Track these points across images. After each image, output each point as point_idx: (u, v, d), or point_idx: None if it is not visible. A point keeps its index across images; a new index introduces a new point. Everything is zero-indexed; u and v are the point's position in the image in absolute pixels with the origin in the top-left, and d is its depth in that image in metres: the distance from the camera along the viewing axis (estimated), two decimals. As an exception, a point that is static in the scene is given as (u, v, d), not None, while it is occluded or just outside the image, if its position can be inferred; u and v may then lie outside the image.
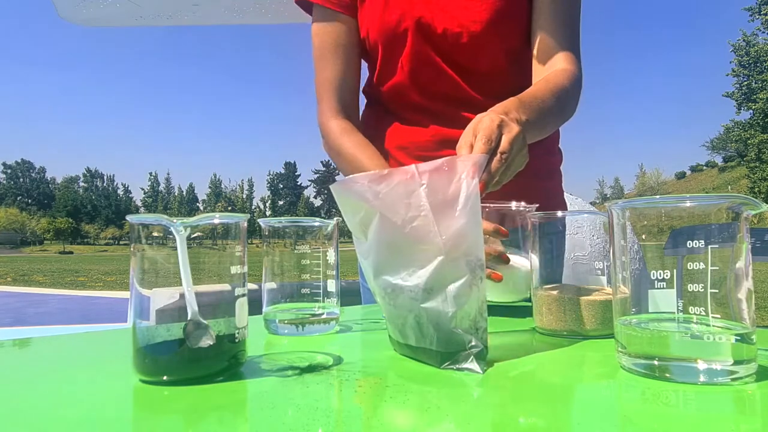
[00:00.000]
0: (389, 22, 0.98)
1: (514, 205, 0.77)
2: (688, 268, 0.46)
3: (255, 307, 0.59)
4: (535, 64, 0.97)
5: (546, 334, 0.67)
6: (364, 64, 1.09)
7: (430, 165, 0.52)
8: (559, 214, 0.79)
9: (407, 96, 1.03)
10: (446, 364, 0.51)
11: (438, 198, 0.51)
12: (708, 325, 0.45)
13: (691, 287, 0.46)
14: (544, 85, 0.87)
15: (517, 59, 0.99)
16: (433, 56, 0.99)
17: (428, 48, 0.99)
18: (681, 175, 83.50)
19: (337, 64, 1.03)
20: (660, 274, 0.47)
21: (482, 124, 0.64)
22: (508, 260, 0.74)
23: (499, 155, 0.62)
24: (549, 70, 0.93)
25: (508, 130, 0.64)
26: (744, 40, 34.53)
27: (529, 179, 1.06)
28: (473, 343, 0.51)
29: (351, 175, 0.53)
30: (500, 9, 0.96)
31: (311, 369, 0.51)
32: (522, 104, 0.74)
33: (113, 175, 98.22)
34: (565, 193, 1.20)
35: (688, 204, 0.46)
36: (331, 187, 0.55)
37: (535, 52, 0.97)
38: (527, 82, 0.96)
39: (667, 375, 0.45)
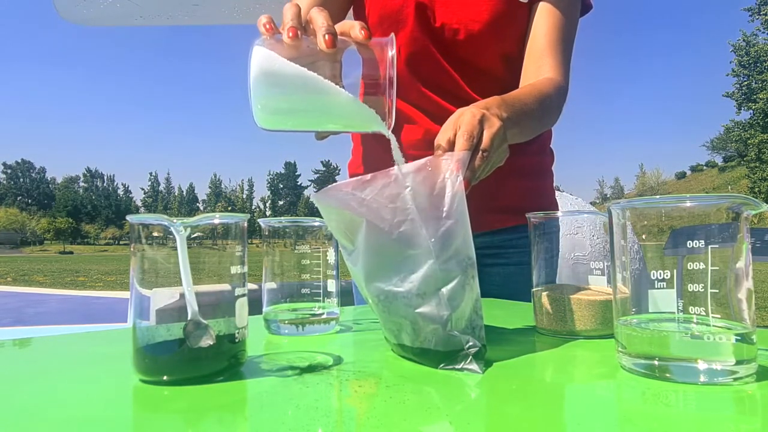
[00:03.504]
0: (392, 6, 0.98)
1: None
2: (688, 268, 0.46)
3: (255, 307, 0.59)
4: (524, 69, 0.98)
5: (546, 334, 0.67)
6: None
7: (413, 166, 0.51)
8: (558, 214, 0.79)
9: (403, 90, 1.02)
10: (444, 364, 0.51)
11: (424, 199, 0.51)
12: (708, 325, 0.45)
13: (691, 287, 0.46)
14: (529, 90, 0.87)
15: (512, 65, 1.00)
16: (431, 47, 0.99)
17: (426, 38, 0.99)
18: (681, 175, 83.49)
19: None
20: (660, 274, 0.47)
21: (463, 119, 0.63)
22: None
23: (480, 152, 0.61)
24: (536, 78, 0.94)
25: (489, 126, 0.63)
26: (744, 40, 34.54)
27: (521, 179, 1.06)
28: (471, 343, 0.51)
29: (333, 184, 0.53)
30: (501, 12, 0.96)
31: (311, 369, 0.51)
32: (504, 102, 0.74)
33: (113, 175, 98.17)
34: (564, 193, 1.20)
35: (688, 204, 0.46)
36: (312, 196, 0.55)
37: (526, 58, 0.98)
38: None
39: (668, 375, 0.45)
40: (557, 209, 1.15)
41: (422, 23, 0.98)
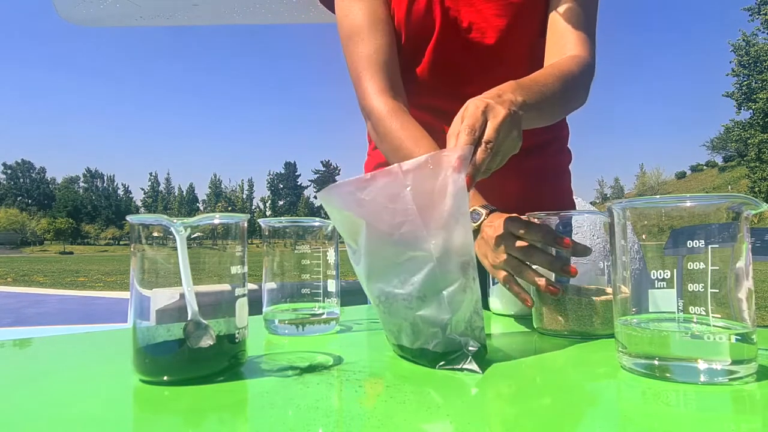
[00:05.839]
0: (417, 12, 0.97)
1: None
2: (689, 267, 0.46)
3: (255, 307, 0.59)
4: (547, 50, 0.94)
5: (546, 335, 0.67)
6: None
7: (414, 163, 0.50)
8: (564, 213, 0.79)
9: (426, 95, 1.01)
10: (442, 364, 0.51)
11: (424, 198, 0.50)
12: (708, 325, 0.45)
13: (691, 287, 0.46)
14: (550, 70, 0.84)
15: (538, 59, 0.97)
16: (459, 50, 0.97)
17: (454, 41, 0.97)
18: (681, 175, 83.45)
19: (377, 38, 0.93)
20: (660, 273, 0.47)
21: (467, 111, 0.61)
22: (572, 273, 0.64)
23: (483, 145, 0.59)
24: (560, 56, 0.90)
25: (493, 116, 0.61)
26: (744, 40, 34.52)
27: (540, 179, 1.05)
28: (470, 344, 0.51)
29: (336, 183, 0.52)
30: (522, 3, 0.95)
31: (311, 369, 0.51)
32: (519, 86, 0.71)
33: (113, 175, 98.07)
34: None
35: (688, 204, 0.46)
36: (318, 194, 0.54)
37: (548, 38, 0.95)
38: None
39: (668, 375, 0.45)
40: (575, 209, 1.14)
41: (449, 28, 0.96)
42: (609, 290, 0.66)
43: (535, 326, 0.70)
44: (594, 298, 0.65)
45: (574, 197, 1.16)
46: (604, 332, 0.64)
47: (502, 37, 0.96)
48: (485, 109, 0.61)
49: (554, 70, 0.84)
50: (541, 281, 0.64)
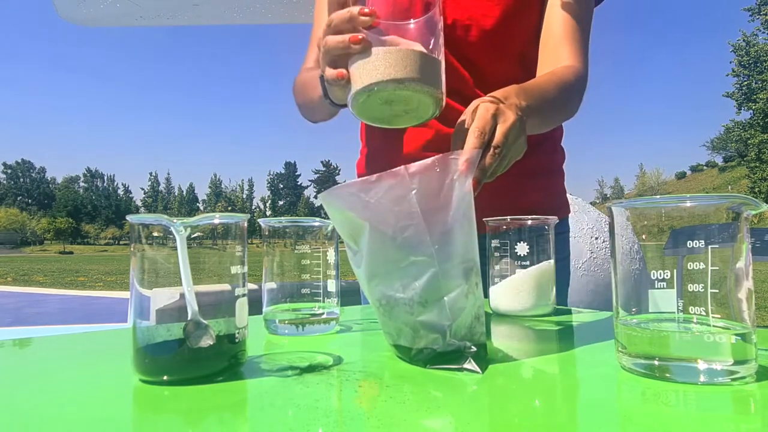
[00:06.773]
0: (400, 5, 0.98)
1: None
2: (689, 268, 0.46)
3: (255, 307, 0.59)
4: (540, 59, 0.95)
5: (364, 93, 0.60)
6: None
7: (420, 165, 0.49)
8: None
9: None
10: (441, 365, 0.50)
11: (430, 202, 0.49)
12: (708, 325, 0.45)
13: (691, 287, 0.46)
14: (549, 77, 0.84)
15: (526, 61, 0.98)
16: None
17: None
18: (681, 175, 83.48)
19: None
20: (660, 274, 0.47)
21: (477, 113, 0.61)
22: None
23: (492, 150, 0.59)
24: (554, 66, 0.91)
25: (503, 120, 0.61)
26: (744, 40, 34.54)
27: (532, 179, 1.06)
28: (470, 347, 0.50)
29: (339, 184, 0.52)
30: (512, 6, 0.95)
31: (311, 369, 0.51)
32: (523, 90, 0.71)
33: (113, 175, 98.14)
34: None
35: (688, 204, 0.46)
36: (319, 196, 0.54)
37: (541, 47, 0.95)
38: None
39: (668, 375, 0.45)
40: (569, 208, 1.15)
41: None
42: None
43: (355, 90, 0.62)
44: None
45: (570, 196, 1.17)
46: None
47: (486, 37, 0.96)
48: (495, 113, 0.61)
49: (552, 77, 0.85)
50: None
